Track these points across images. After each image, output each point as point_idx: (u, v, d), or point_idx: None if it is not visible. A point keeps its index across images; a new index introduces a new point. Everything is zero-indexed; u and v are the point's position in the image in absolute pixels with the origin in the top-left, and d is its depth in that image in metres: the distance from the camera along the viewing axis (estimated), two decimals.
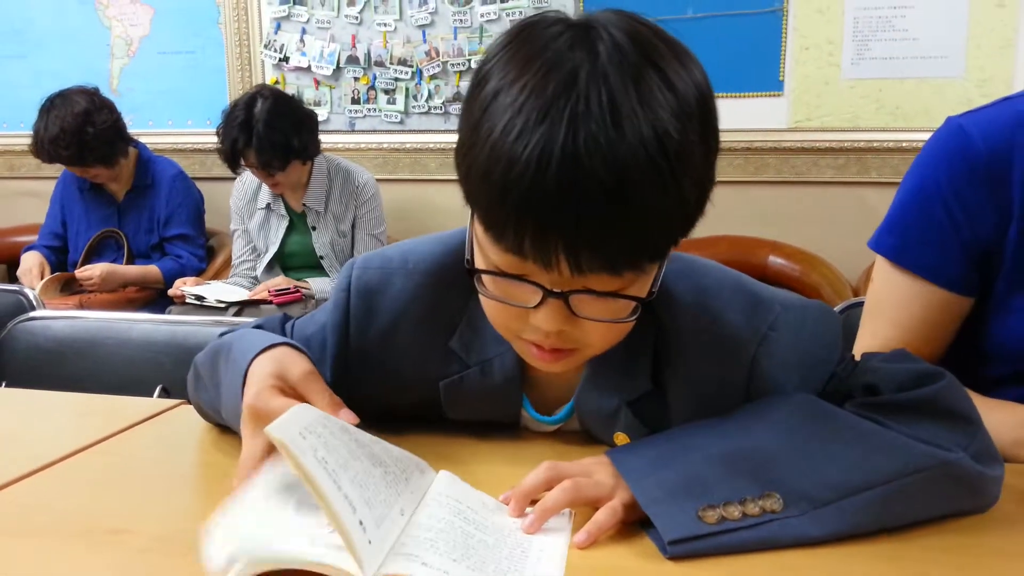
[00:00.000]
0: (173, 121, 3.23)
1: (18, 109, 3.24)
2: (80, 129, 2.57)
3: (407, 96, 2.97)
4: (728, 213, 2.65)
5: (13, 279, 2.93)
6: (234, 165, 2.47)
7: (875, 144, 2.60)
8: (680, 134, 0.61)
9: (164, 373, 1.30)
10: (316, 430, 0.63)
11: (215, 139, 2.48)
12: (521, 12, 2.80)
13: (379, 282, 0.85)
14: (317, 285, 2.52)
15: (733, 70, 2.65)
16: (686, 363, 0.79)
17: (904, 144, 2.56)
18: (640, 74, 0.61)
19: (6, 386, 1.41)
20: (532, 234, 0.62)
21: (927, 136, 1.02)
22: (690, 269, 0.80)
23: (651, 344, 0.80)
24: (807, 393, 0.77)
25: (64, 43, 3.28)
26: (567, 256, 0.63)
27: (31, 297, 1.75)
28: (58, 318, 1.46)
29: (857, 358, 0.82)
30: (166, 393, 1.26)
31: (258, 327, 0.92)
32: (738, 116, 2.66)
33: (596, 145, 0.59)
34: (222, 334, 0.93)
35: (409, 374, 0.86)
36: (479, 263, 0.71)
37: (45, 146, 2.57)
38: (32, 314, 1.50)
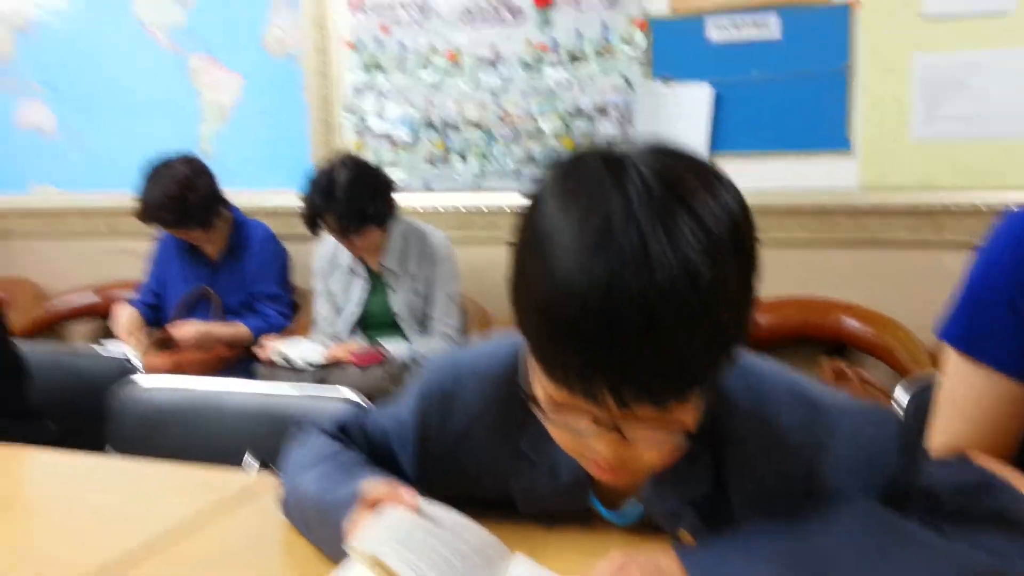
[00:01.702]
0: (259, 183, 3.39)
1: (117, 171, 3.44)
2: (181, 196, 2.73)
3: (481, 158, 3.07)
4: (798, 274, 2.63)
5: (109, 332, 3.10)
6: (314, 228, 2.61)
7: (950, 206, 2.55)
8: (711, 269, 0.64)
9: (258, 441, 1.39)
10: (399, 536, 0.72)
11: (298, 200, 2.62)
12: (591, 78, 2.87)
13: (453, 386, 0.92)
14: (395, 349, 2.61)
15: (798, 129, 2.65)
16: (746, 468, 0.82)
17: (979, 205, 2.51)
18: (669, 214, 0.65)
19: (110, 448, 1.53)
20: (577, 373, 0.67)
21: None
22: (747, 374, 0.83)
23: (711, 450, 0.83)
24: (867, 499, 0.79)
25: (159, 108, 3.48)
26: (611, 393, 0.67)
27: (131, 361, 1.87)
28: (157, 388, 1.58)
29: (930, 453, 0.83)
30: (258, 461, 1.35)
31: (340, 423, 1.00)
32: (805, 176, 2.64)
33: (628, 291, 0.63)
34: (296, 430, 1.02)
35: (483, 473, 0.92)
36: (536, 389, 0.76)
37: (149, 211, 2.76)
38: (134, 378, 1.62)
